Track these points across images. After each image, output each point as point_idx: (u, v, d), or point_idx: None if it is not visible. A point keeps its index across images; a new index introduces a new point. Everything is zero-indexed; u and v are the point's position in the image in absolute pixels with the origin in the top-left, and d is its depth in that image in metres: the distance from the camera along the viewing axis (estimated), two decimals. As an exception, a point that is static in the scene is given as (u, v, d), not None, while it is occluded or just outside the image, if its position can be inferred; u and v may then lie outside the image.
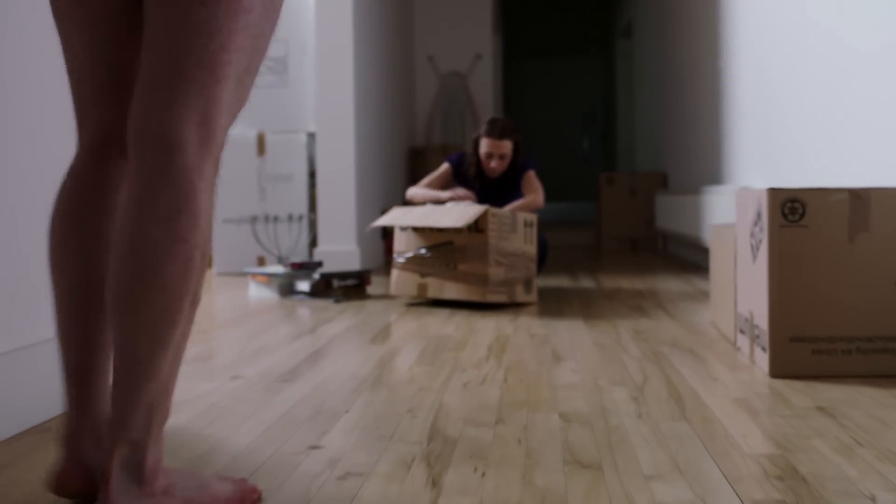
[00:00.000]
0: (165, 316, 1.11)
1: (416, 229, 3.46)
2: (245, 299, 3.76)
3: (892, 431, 1.58)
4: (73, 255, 1.24)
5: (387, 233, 5.89)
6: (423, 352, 2.43)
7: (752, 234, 2.21)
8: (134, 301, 1.10)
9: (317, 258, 4.80)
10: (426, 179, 4.04)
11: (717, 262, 2.75)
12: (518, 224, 3.42)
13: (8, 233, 1.67)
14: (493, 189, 4.12)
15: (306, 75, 5.07)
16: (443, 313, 3.21)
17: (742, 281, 2.35)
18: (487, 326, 2.87)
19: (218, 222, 4.99)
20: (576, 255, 6.11)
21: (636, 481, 1.32)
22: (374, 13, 5.49)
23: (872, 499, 1.24)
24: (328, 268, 4.75)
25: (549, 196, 12.32)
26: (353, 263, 4.77)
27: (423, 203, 3.94)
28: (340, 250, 4.77)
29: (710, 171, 5.12)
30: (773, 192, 2.04)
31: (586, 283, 4.25)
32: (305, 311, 3.36)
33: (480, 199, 4.15)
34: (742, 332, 2.35)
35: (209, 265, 5.40)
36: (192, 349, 2.54)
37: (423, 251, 3.42)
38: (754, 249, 2.19)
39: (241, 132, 5.06)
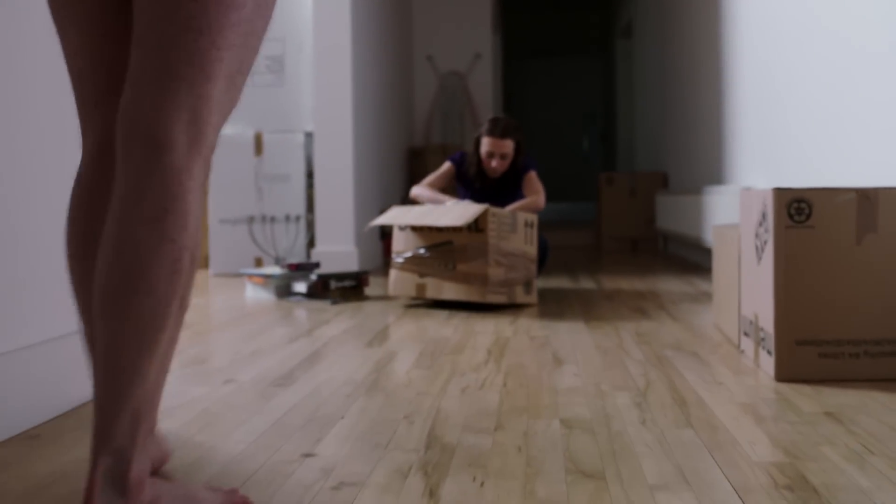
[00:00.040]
0: (152, 319, 1.07)
1: (414, 229, 3.41)
2: (241, 300, 3.71)
3: (903, 438, 1.53)
4: (91, 266, 1.25)
5: (385, 233, 5.84)
6: (420, 355, 2.38)
7: (756, 235, 2.16)
8: (119, 304, 1.05)
9: (314, 259, 4.75)
10: (429, 178, 3.99)
11: (720, 264, 2.71)
12: (518, 224, 3.38)
13: (-7, 234, 1.62)
14: (494, 189, 4.08)
15: (304, 74, 5.02)
16: (441, 315, 3.16)
17: (746, 282, 2.30)
18: (487, 328, 2.83)
19: (214, 223, 4.94)
20: (576, 256, 6.07)
21: (641, 492, 1.27)
22: (373, 12, 5.44)
23: (887, 510, 1.19)
24: (326, 269, 4.71)
25: (549, 196, 12.27)
26: (351, 264, 4.72)
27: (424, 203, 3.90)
28: (338, 251, 4.72)
29: (712, 171, 5.07)
30: (779, 192, 1.99)
31: (587, 283, 4.21)
32: (302, 312, 3.31)
33: (481, 199, 4.10)
34: (746, 334, 2.30)
35: (205, 266, 5.35)
36: (187, 351, 2.49)
37: (421, 251, 3.38)
38: (759, 250, 2.14)
39: (237, 132, 5.01)
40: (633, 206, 6.68)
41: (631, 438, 1.55)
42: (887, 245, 1.98)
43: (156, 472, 1.39)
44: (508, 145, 3.92)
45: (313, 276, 3.68)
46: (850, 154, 2.86)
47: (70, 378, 1.83)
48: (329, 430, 1.63)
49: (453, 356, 2.36)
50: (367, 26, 5.21)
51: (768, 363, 2.07)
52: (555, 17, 12.22)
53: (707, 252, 5.18)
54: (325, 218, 4.73)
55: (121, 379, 1.06)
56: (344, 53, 4.70)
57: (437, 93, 7.52)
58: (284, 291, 3.82)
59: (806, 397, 1.84)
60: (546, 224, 9.95)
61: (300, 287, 3.72)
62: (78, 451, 1.52)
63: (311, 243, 4.99)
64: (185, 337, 2.76)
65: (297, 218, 4.86)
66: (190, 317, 3.23)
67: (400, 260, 3.45)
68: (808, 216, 1.99)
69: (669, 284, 4.12)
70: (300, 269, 3.80)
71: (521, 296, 3.38)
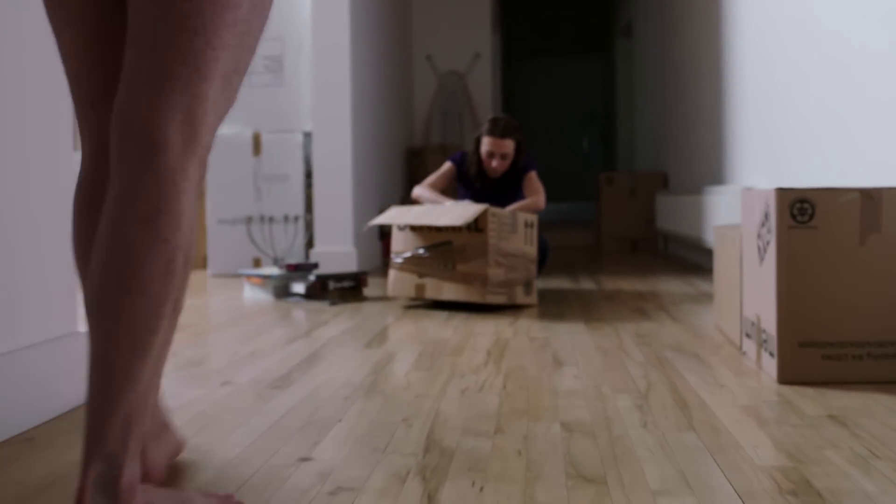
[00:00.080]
0: (145, 321, 1.05)
1: (414, 229, 3.39)
2: (239, 301, 3.69)
3: (908, 442, 1.51)
4: None
5: (384, 233, 5.82)
6: (419, 356, 2.36)
7: (758, 236, 2.14)
8: (112, 304, 1.04)
9: (313, 259, 4.73)
10: (430, 179, 3.96)
11: (721, 264, 2.69)
12: (518, 224, 3.35)
13: (-14, 234, 1.60)
14: (494, 189, 4.05)
15: (302, 74, 5.00)
16: (441, 315, 3.14)
17: (748, 284, 2.28)
18: (486, 330, 2.81)
19: (212, 223, 4.92)
20: (576, 256, 6.05)
21: (643, 497, 1.25)
22: (372, 11, 5.42)
23: (893, 516, 1.17)
24: (324, 269, 4.69)
25: (549, 196, 12.25)
26: (350, 265, 4.70)
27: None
28: (337, 251, 4.70)
29: (712, 171, 5.05)
30: (782, 193, 1.97)
31: (587, 284, 4.19)
32: (300, 313, 3.29)
33: (481, 199, 4.08)
34: (748, 336, 2.28)
35: (203, 266, 5.33)
36: (184, 353, 2.47)
37: (421, 251, 3.35)
38: (761, 251, 2.12)
39: (236, 132, 4.99)
40: (634, 206, 6.66)
41: (632, 442, 1.53)
42: (891, 245, 1.96)
43: (170, 463, 1.40)
44: (509, 145, 3.90)
45: (312, 277, 3.66)
46: (852, 154, 2.84)
47: (65, 380, 1.81)
48: (327, 434, 1.61)
49: (453, 357, 2.34)
50: (365, 26, 5.19)
51: (770, 365, 2.05)
52: (555, 16, 12.20)
53: (707, 252, 5.16)
54: (324, 218, 4.71)
55: (113, 381, 1.04)
56: (343, 53, 4.67)
57: (436, 93, 7.50)
58: (283, 292, 3.79)
59: (809, 400, 1.82)
60: (546, 224, 9.93)
61: (298, 288, 3.70)
62: (72, 454, 1.50)
63: (309, 244, 4.97)
64: (182, 338, 2.74)
65: (296, 218, 4.84)
66: (188, 317, 3.21)
67: (399, 260, 3.43)
68: (811, 216, 1.97)
69: (670, 285, 4.10)
70: (298, 270, 3.78)
71: (521, 296, 3.36)
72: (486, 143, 3.91)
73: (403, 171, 6.77)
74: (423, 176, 6.77)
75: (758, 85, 3.99)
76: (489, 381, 2.03)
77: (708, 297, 3.59)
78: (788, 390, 1.92)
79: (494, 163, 3.91)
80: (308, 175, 4.94)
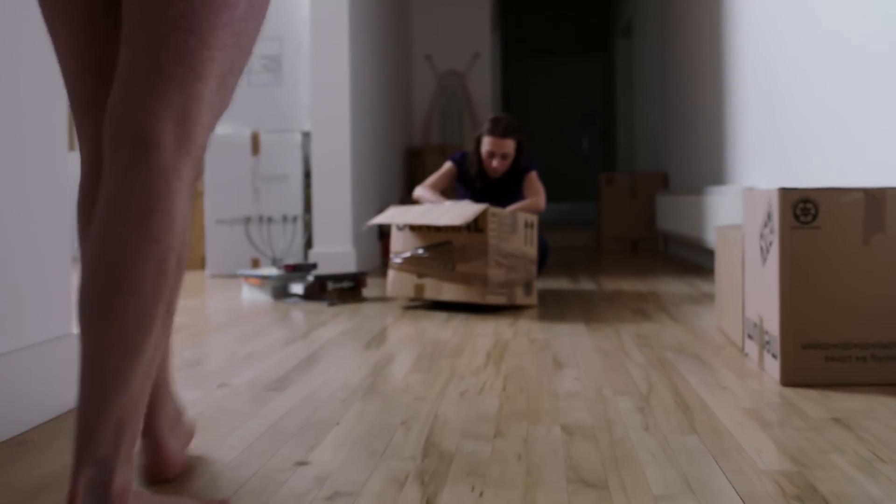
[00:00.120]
0: (137, 322, 1.03)
1: (413, 228, 3.37)
2: (238, 302, 3.67)
3: (914, 445, 1.49)
4: None
5: (384, 233, 5.80)
6: (419, 358, 2.34)
7: (761, 236, 2.12)
8: (103, 305, 1.02)
9: (312, 260, 4.71)
10: (431, 179, 3.94)
11: (722, 265, 2.67)
12: (518, 225, 3.33)
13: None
14: (495, 189, 4.03)
15: (301, 73, 4.98)
16: (440, 316, 3.12)
17: (750, 284, 2.26)
18: (486, 331, 2.79)
19: (211, 223, 4.90)
20: (576, 256, 6.02)
21: (645, 502, 1.23)
22: (371, 10, 5.40)
23: (900, 522, 1.15)
24: (323, 269, 4.66)
25: (549, 196, 12.23)
26: (349, 265, 4.68)
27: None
28: (336, 252, 4.68)
29: (713, 171, 5.03)
30: (785, 192, 1.95)
31: (587, 285, 4.17)
32: (299, 314, 3.27)
33: (481, 200, 4.06)
34: (750, 337, 2.26)
35: (201, 267, 5.30)
36: (181, 354, 2.45)
37: (420, 251, 3.33)
38: (764, 252, 2.10)
39: (234, 131, 4.97)
40: (634, 206, 6.64)
41: (634, 445, 1.50)
42: (895, 245, 1.94)
43: (184, 449, 1.43)
44: (510, 145, 3.88)
45: (310, 278, 3.64)
46: (853, 154, 2.82)
47: (59, 382, 1.79)
48: (324, 437, 1.59)
49: (452, 359, 2.32)
50: (364, 25, 5.17)
51: (773, 367, 2.03)
52: (555, 16, 12.18)
53: (708, 253, 5.14)
54: (323, 218, 4.69)
55: (105, 383, 1.02)
56: (341, 52, 4.65)
57: (435, 92, 7.48)
58: (281, 293, 3.77)
59: (812, 402, 1.80)
60: (546, 224, 9.91)
61: (297, 288, 3.68)
62: (68, 457, 1.48)
63: (308, 244, 4.95)
64: (179, 339, 2.72)
65: (295, 218, 4.82)
66: (185, 318, 3.19)
67: (398, 260, 3.40)
68: (815, 217, 1.95)
69: (670, 286, 4.08)
70: (297, 271, 3.76)
71: (520, 297, 3.34)
72: (486, 143, 3.89)
73: (403, 171, 6.75)
74: (423, 176, 6.75)
75: (759, 84, 3.97)
76: (489, 383, 2.01)
77: (709, 298, 3.57)
78: (791, 392, 1.89)
79: (495, 163, 3.89)
80: (307, 175, 4.92)
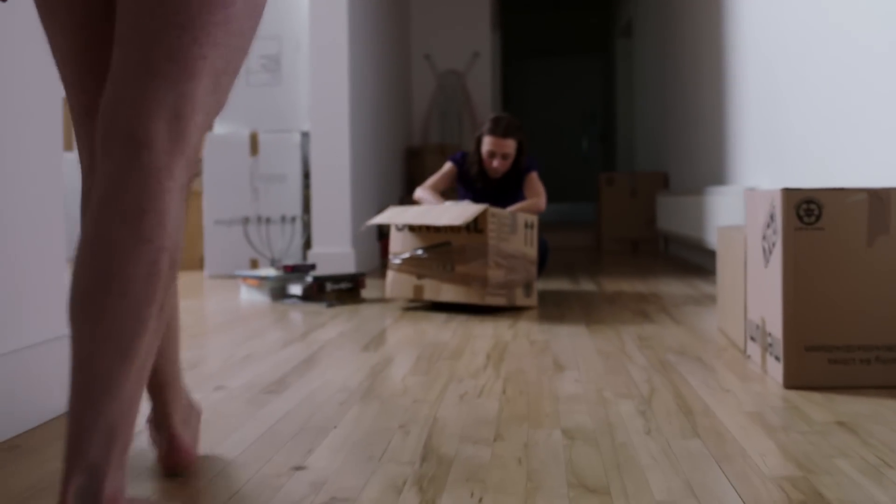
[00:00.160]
0: (128, 324, 1.01)
1: (412, 229, 3.35)
2: (236, 303, 3.64)
3: (920, 450, 1.47)
4: None
5: (383, 234, 5.77)
6: (417, 360, 2.32)
7: (764, 237, 2.10)
8: (93, 306, 1.00)
9: (311, 260, 4.68)
10: (431, 180, 3.91)
11: (724, 266, 2.64)
12: (518, 225, 3.31)
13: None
14: (495, 189, 4.01)
15: (300, 73, 4.95)
16: (439, 318, 3.10)
17: (753, 286, 2.23)
18: (486, 332, 2.76)
19: (209, 223, 4.87)
20: (576, 257, 6.00)
21: (648, 508, 1.21)
22: (370, 10, 5.38)
23: (908, 529, 1.13)
24: (322, 270, 4.64)
25: (549, 197, 12.21)
26: (348, 266, 4.65)
27: None
28: (335, 252, 4.66)
29: (714, 172, 5.01)
30: (788, 193, 1.93)
31: (587, 286, 4.14)
32: (297, 315, 3.25)
33: (482, 200, 4.03)
34: (753, 339, 2.24)
35: (200, 267, 5.28)
36: (177, 357, 2.42)
37: (419, 252, 3.31)
38: (767, 253, 2.07)
39: (233, 131, 4.95)
40: (634, 206, 6.62)
41: (636, 449, 1.48)
42: (899, 247, 1.92)
43: (196, 441, 1.46)
44: (510, 145, 3.85)
45: (309, 279, 3.61)
46: (856, 154, 2.79)
47: (51, 386, 1.76)
48: (321, 441, 1.56)
49: (451, 361, 2.29)
50: (364, 24, 5.15)
51: (776, 369, 2.00)
52: (554, 16, 12.15)
53: (709, 253, 5.12)
54: (322, 219, 4.66)
55: (95, 387, 1.00)
56: (340, 52, 4.63)
57: (435, 92, 7.45)
58: (279, 294, 3.75)
59: (816, 405, 1.78)
60: (546, 225, 9.89)
61: (295, 289, 3.65)
62: (59, 463, 1.46)
63: (307, 244, 4.92)
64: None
65: (293, 219, 4.79)
66: (183, 319, 3.17)
67: (397, 261, 3.38)
68: (818, 217, 1.92)
69: (671, 287, 4.05)
70: (295, 271, 3.74)
71: (520, 298, 3.32)
72: (487, 143, 3.86)
73: (402, 170, 6.72)
74: (422, 176, 6.72)
75: (760, 84, 3.95)
76: (488, 386, 1.99)
77: (710, 299, 3.55)
78: (795, 395, 1.87)
79: (495, 163, 3.86)
80: (306, 175, 4.90)
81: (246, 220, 4.71)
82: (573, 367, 2.20)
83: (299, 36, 4.95)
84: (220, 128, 5.02)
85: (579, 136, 12.13)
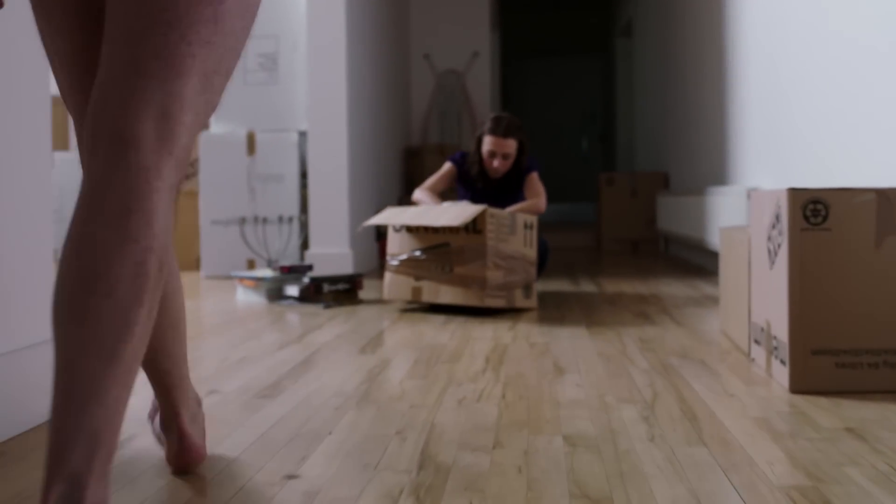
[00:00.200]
0: (113, 326, 0.97)
1: (410, 230, 3.30)
2: (232, 304, 3.60)
3: (932, 458, 1.42)
4: None
5: (381, 234, 5.73)
6: (415, 363, 2.27)
7: (769, 238, 2.05)
8: (77, 307, 0.97)
9: (308, 261, 4.64)
10: (430, 180, 3.87)
11: (727, 267, 2.60)
12: (517, 226, 3.27)
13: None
14: (496, 190, 3.96)
15: (298, 72, 4.91)
16: (438, 320, 3.05)
17: (757, 288, 2.19)
18: (485, 334, 2.72)
19: (206, 224, 4.83)
20: (576, 258, 5.96)
21: (653, 520, 1.16)
22: (368, 8, 5.33)
23: (924, 543, 1.08)
24: (320, 271, 4.60)
25: (549, 197, 12.16)
26: (345, 266, 4.61)
27: None
28: (332, 253, 4.61)
29: (715, 172, 4.97)
30: (794, 193, 1.88)
31: (587, 287, 4.10)
32: (294, 317, 3.20)
33: (482, 200, 3.99)
34: (757, 342, 2.20)
35: (196, 268, 5.23)
36: (170, 360, 2.38)
37: (417, 253, 3.26)
38: (772, 254, 2.03)
39: (230, 131, 4.90)
40: (634, 206, 6.58)
41: (639, 457, 1.44)
42: (908, 249, 1.87)
43: (203, 439, 1.44)
44: (511, 145, 3.81)
45: (306, 280, 3.57)
46: (859, 154, 2.75)
47: (39, 390, 1.72)
48: (315, 448, 1.52)
49: (450, 364, 2.25)
50: (362, 23, 5.10)
51: (782, 373, 1.96)
52: (554, 16, 12.12)
53: (710, 254, 5.07)
54: (319, 219, 4.62)
55: (78, 391, 0.96)
56: (339, 51, 4.58)
57: (434, 92, 7.41)
58: (276, 295, 3.71)
59: (824, 411, 1.74)
60: (545, 225, 9.84)
61: (292, 290, 3.61)
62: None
63: (304, 245, 4.88)
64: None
65: (291, 219, 4.75)
66: (177, 321, 3.12)
67: (395, 262, 3.34)
68: (825, 218, 1.88)
69: (672, 288, 4.01)
70: (292, 272, 3.69)
71: (520, 300, 3.27)
72: (487, 143, 3.82)
73: (401, 171, 6.68)
74: (421, 176, 6.68)
75: (762, 83, 3.90)
76: (487, 390, 1.95)
77: (711, 301, 3.50)
78: (801, 400, 1.83)
79: (496, 163, 3.82)
80: (303, 175, 4.86)
81: (242, 221, 4.66)
82: (574, 370, 2.16)
83: (297, 34, 4.91)
84: (216, 127, 4.97)
85: (579, 136, 12.09)
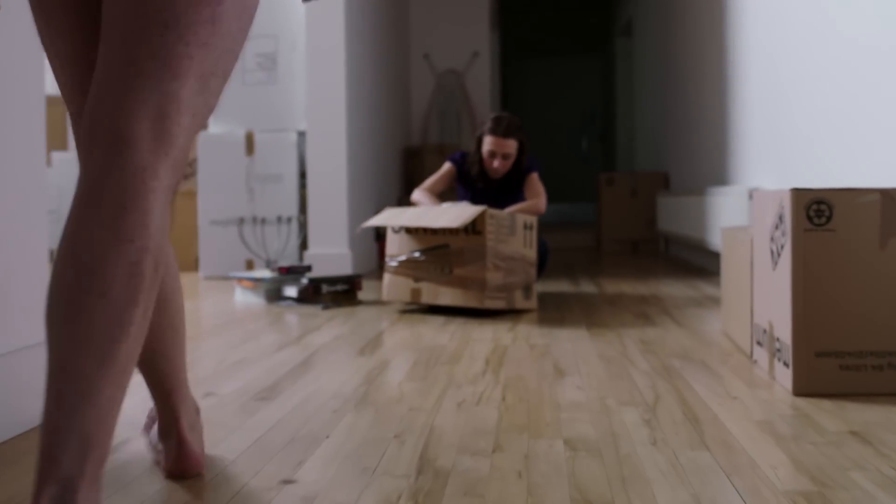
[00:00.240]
0: (107, 327, 0.96)
1: (409, 231, 3.28)
2: (230, 305, 3.58)
3: (939, 462, 1.40)
4: None
5: (380, 235, 5.71)
6: (414, 365, 2.25)
7: (772, 239, 2.03)
8: (71, 306, 0.96)
9: (307, 261, 4.62)
10: (430, 181, 3.85)
11: (729, 268, 2.58)
12: (517, 226, 3.24)
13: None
14: (496, 190, 3.94)
15: (296, 72, 4.89)
16: (437, 321, 3.03)
17: (760, 289, 2.17)
18: (484, 336, 2.70)
19: (204, 224, 4.81)
20: (576, 258, 5.94)
21: (655, 526, 1.14)
22: (368, 8, 5.31)
23: (932, 550, 1.06)
24: (319, 272, 4.57)
25: (549, 197, 12.15)
26: (344, 267, 4.59)
27: None
28: (331, 254, 4.59)
29: (715, 172, 4.95)
30: (798, 193, 1.86)
31: (587, 287, 4.08)
32: (292, 318, 3.18)
33: (482, 201, 3.97)
34: (760, 344, 2.17)
35: (195, 269, 5.21)
36: (167, 361, 2.36)
37: (416, 254, 3.24)
38: (775, 255, 2.01)
39: (228, 131, 4.88)
40: (634, 207, 6.56)
41: (641, 461, 1.42)
42: (912, 249, 1.85)
43: (202, 446, 1.42)
44: (511, 145, 3.79)
45: (304, 280, 3.55)
46: (861, 154, 2.73)
47: (34, 393, 1.70)
48: (313, 452, 1.50)
49: (449, 366, 2.23)
50: (361, 23, 5.08)
51: (785, 376, 1.94)
52: (554, 15, 12.10)
53: (711, 254, 5.05)
54: (318, 220, 4.60)
55: (71, 392, 0.94)
56: (338, 51, 4.56)
57: (434, 91, 7.39)
58: (275, 296, 3.68)
59: (828, 414, 1.72)
60: (545, 226, 9.82)
61: (291, 291, 3.59)
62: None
63: (303, 245, 4.86)
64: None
65: (290, 219, 4.73)
66: (175, 322, 3.10)
67: (394, 264, 3.32)
68: (829, 218, 1.86)
69: (673, 288, 3.99)
70: (291, 273, 3.67)
71: (520, 301, 3.25)
72: (487, 143, 3.80)
73: (400, 171, 6.66)
74: (421, 176, 6.66)
75: (763, 83, 3.88)
76: (487, 393, 1.92)
77: (712, 301, 3.48)
78: (805, 403, 1.81)
79: (496, 163, 3.80)
80: (302, 175, 4.84)
81: (241, 221, 4.64)
82: (574, 372, 2.14)
83: (296, 34, 4.89)
84: (215, 127, 4.95)
85: (579, 136, 12.08)
